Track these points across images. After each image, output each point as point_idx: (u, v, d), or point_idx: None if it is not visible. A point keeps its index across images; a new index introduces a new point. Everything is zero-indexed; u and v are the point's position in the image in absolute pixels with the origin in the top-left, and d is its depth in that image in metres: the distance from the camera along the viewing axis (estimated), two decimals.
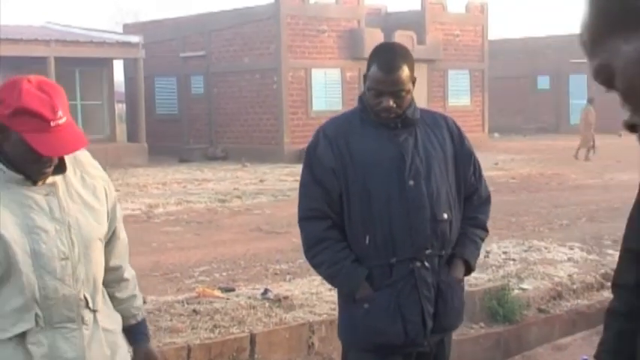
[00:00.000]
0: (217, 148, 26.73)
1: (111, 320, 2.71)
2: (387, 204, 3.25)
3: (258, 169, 22.05)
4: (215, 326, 5.97)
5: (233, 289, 7.22)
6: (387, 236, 3.25)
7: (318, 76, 25.84)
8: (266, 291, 6.92)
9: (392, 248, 3.25)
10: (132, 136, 28.44)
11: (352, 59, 25.54)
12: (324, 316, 6.23)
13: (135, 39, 25.45)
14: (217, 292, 7.00)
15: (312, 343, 6.10)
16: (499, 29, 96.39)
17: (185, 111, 28.68)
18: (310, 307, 6.53)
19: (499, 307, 7.02)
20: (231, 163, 24.13)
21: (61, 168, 2.54)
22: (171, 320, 6.11)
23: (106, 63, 26.70)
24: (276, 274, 8.22)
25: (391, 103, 3.24)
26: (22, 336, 2.47)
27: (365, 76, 3.32)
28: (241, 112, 26.53)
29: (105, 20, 75.82)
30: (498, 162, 22.40)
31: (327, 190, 3.30)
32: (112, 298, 2.77)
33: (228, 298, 6.77)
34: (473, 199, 3.50)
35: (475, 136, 27.39)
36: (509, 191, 15.70)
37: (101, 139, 25.54)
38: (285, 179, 18.47)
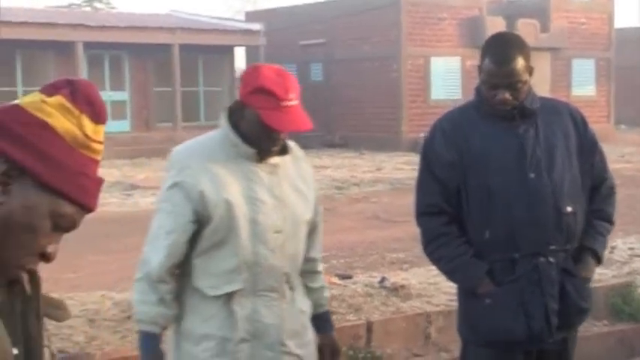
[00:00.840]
0: (335, 135, 26.85)
1: (304, 303, 2.91)
2: (508, 198, 3.16)
3: (376, 157, 22.04)
4: (332, 313, 5.97)
5: (350, 277, 7.23)
6: (508, 231, 3.17)
7: (438, 64, 25.59)
8: (383, 279, 6.89)
9: (513, 243, 3.17)
10: None
11: (473, 48, 25.10)
12: (442, 306, 6.16)
13: (256, 26, 25.81)
14: (335, 279, 7.02)
15: (429, 334, 6.05)
16: (627, 17, 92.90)
17: (304, 98, 28.06)
18: (428, 297, 6.47)
19: (624, 304, 6.79)
20: (349, 151, 24.21)
21: (284, 151, 2.81)
22: None
23: (228, 50, 27.17)
24: (393, 262, 8.20)
25: (507, 95, 3.15)
26: (228, 297, 2.71)
27: (479, 68, 3.24)
28: (360, 99, 26.54)
29: (224, 9, 77.23)
30: (625, 154, 21.68)
31: (445, 185, 3.25)
32: (304, 287, 2.95)
33: (345, 285, 6.78)
34: (601, 189, 3.38)
35: (600, 127, 26.53)
36: (636, 185, 15.16)
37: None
38: (403, 168, 18.38)
